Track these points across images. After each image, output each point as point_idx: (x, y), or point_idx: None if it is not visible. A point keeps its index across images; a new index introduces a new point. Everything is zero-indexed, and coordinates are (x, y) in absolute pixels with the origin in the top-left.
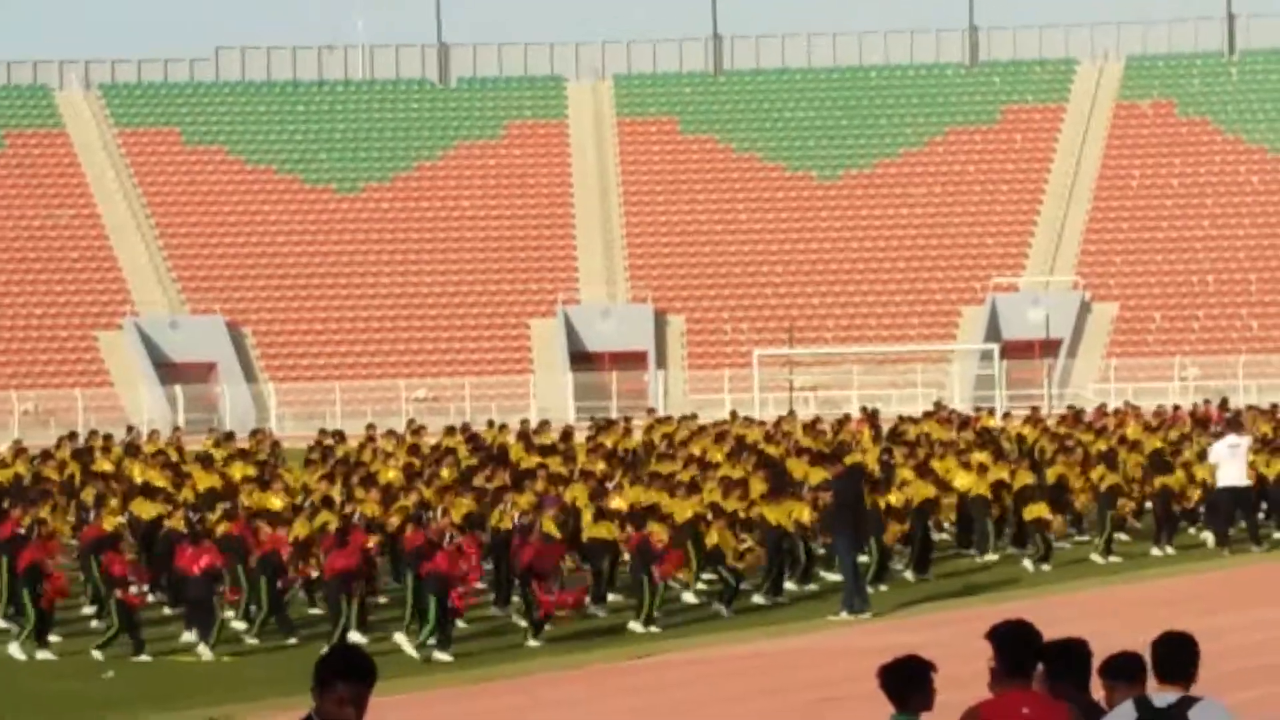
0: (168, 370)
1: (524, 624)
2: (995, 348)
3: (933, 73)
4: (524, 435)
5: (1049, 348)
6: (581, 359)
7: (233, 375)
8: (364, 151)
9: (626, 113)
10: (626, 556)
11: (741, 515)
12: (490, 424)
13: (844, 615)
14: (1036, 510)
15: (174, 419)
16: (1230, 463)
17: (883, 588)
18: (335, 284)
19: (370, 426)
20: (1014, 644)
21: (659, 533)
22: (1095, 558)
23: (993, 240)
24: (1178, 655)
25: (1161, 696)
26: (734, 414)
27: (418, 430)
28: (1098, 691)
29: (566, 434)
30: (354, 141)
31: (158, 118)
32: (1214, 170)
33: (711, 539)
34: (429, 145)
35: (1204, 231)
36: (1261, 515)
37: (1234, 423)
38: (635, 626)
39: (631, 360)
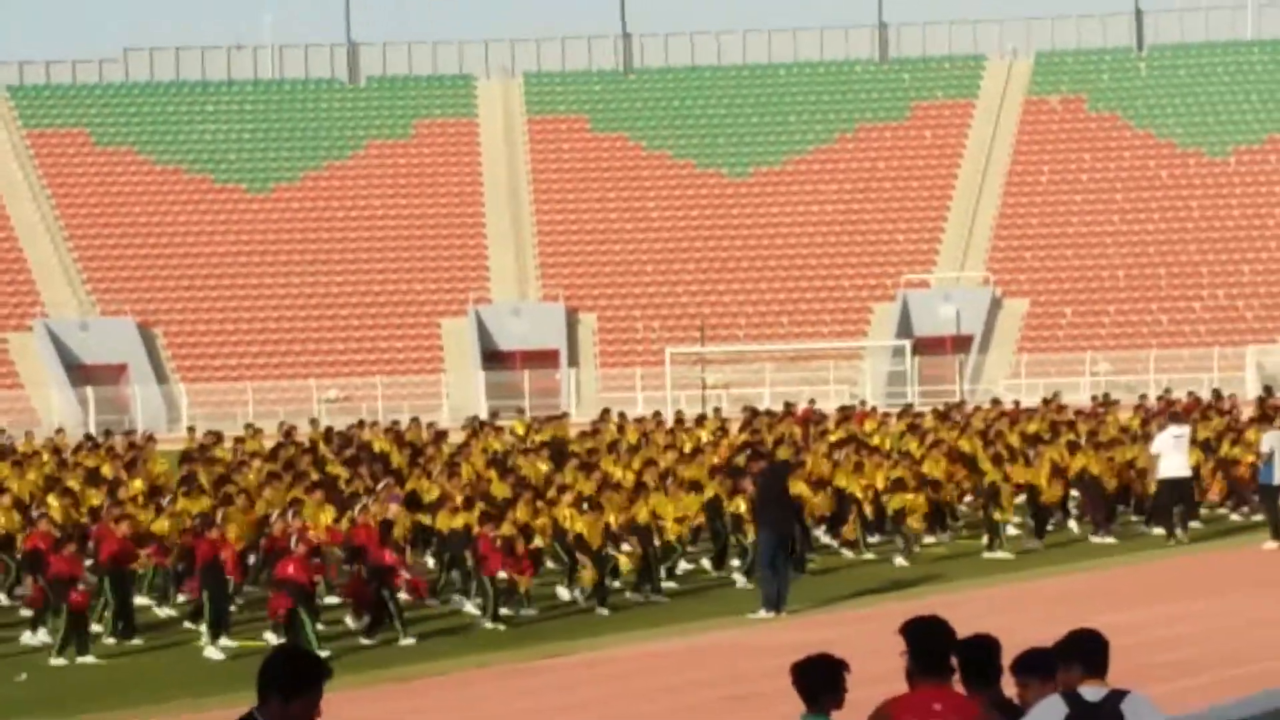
0: (79, 372)
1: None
2: (907, 344)
3: (842, 70)
4: (394, 433)
5: (961, 344)
6: (493, 358)
7: (144, 376)
8: (274, 151)
9: (536, 111)
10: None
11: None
12: (361, 423)
13: (762, 613)
14: (902, 501)
15: (85, 421)
16: (1173, 453)
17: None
18: (246, 284)
19: (248, 427)
20: (926, 640)
21: (486, 532)
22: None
23: (903, 237)
24: (1099, 650)
25: (1091, 690)
26: (656, 414)
27: (289, 432)
28: (1009, 688)
29: (439, 435)
30: (264, 141)
31: (66, 119)
32: (1124, 165)
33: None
34: (339, 144)
35: (1114, 227)
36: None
37: (1176, 415)
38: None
39: (543, 359)
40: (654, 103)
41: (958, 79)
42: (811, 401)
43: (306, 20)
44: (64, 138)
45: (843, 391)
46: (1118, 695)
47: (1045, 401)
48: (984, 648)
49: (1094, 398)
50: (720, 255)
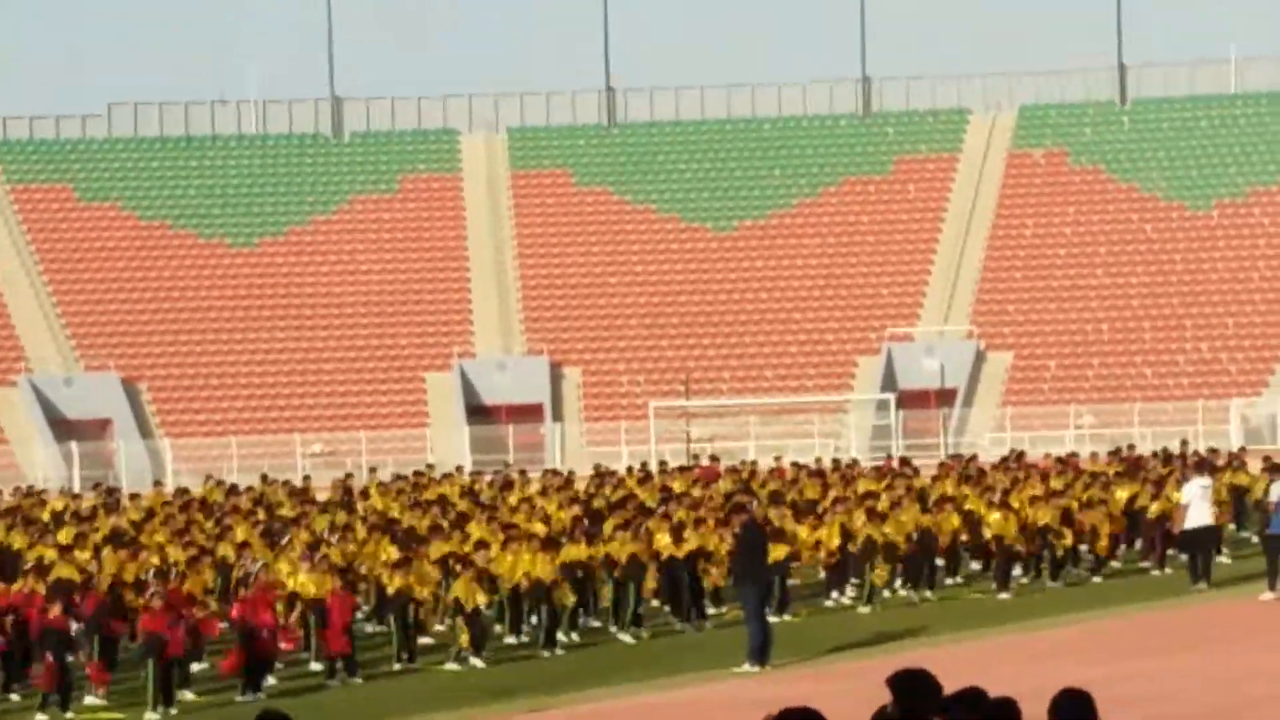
0: (62, 427)
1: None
2: (891, 398)
3: (826, 124)
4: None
5: (945, 397)
6: (478, 412)
7: (128, 431)
8: (258, 206)
9: (520, 165)
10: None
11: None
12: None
13: (746, 666)
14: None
15: (69, 476)
16: (1200, 504)
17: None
18: (230, 339)
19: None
20: (912, 692)
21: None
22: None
23: (887, 290)
24: (1085, 710)
25: None
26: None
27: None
28: None
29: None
30: (248, 196)
31: (50, 174)
32: (1107, 219)
33: (458, 590)
34: (323, 199)
35: (1098, 280)
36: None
37: (1204, 465)
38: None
39: (528, 413)
40: (638, 157)
41: (941, 133)
42: (777, 457)
43: (290, 75)
44: (48, 193)
45: (828, 445)
46: None
47: (1005, 458)
48: (971, 702)
49: (1058, 458)
50: (704, 309)
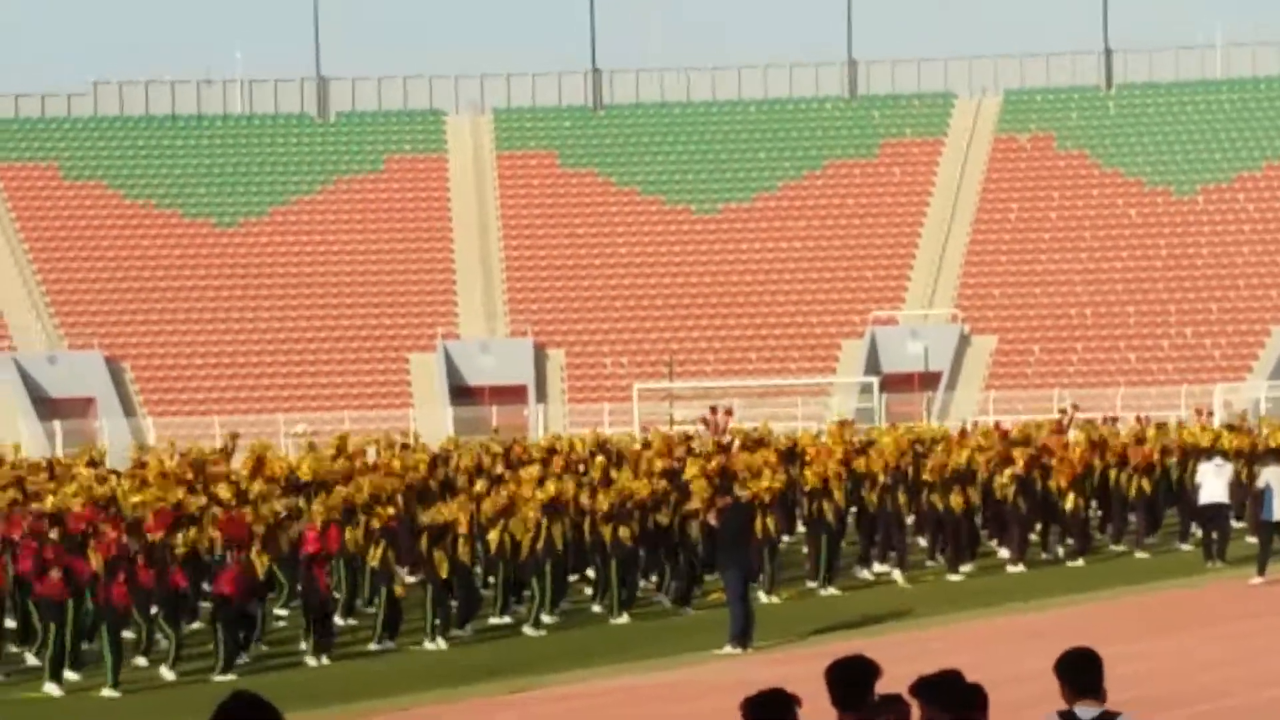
0: (46, 406)
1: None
2: (875, 380)
3: (811, 106)
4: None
5: (928, 380)
6: (461, 393)
7: (111, 410)
8: (243, 186)
9: (506, 146)
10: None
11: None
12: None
13: (728, 649)
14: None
15: (52, 454)
16: (1213, 481)
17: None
18: (214, 318)
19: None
20: (843, 679)
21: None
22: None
23: (872, 273)
24: (1091, 669)
25: (1085, 710)
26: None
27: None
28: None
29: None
30: (233, 176)
31: (35, 152)
32: (1092, 204)
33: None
34: (308, 179)
35: (1082, 265)
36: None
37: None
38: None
39: (511, 394)
40: (623, 139)
41: (927, 117)
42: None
43: (276, 55)
44: (32, 171)
45: (810, 427)
46: (1109, 716)
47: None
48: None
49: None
50: (689, 291)
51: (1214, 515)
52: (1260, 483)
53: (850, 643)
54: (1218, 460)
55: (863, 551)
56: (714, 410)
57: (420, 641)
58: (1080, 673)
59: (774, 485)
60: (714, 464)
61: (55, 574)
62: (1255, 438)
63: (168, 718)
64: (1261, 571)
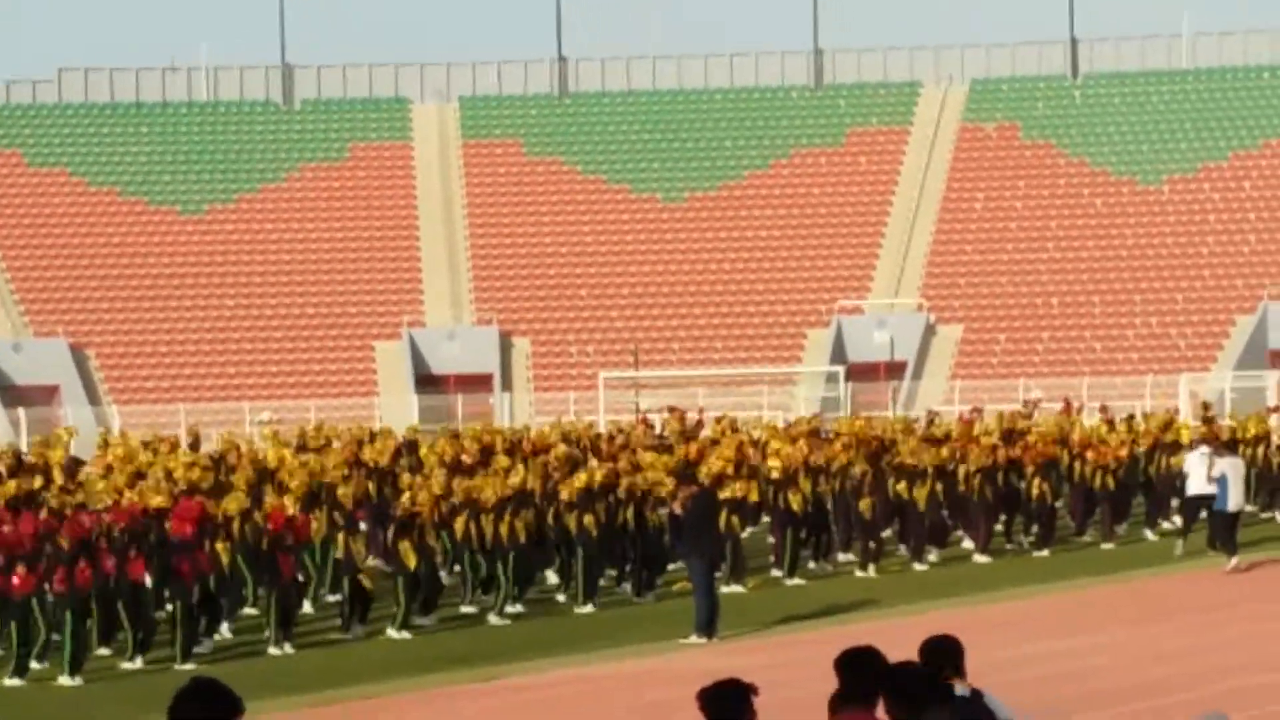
0: (10, 393)
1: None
2: (841, 370)
3: (777, 95)
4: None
5: (894, 370)
6: (426, 381)
7: (76, 398)
8: (208, 173)
9: (471, 134)
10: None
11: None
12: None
13: (694, 638)
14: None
15: (17, 442)
16: (1198, 469)
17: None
18: (179, 306)
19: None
20: (853, 670)
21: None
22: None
23: (838, 263)
24: (955, 652)
25: (960, 688)
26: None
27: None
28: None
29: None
30: (198, 163)
31: None
32: (1058, 193)
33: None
34: (273, 167)
35: (1048, 254)
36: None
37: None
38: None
39: (477, 383)
40: (589, 127)
41: (893, 105)
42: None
43: (241, 42)
44: None
45: (776, 416)
46: (979, 693)
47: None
48: (913, 676)
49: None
50: (655, 280)
51: (1201, 506)
52: (1215, 473)
53: (811, 634)
54: (1203, 449)
55: (835, 543)
56: (674, 410)
57: (385, 630)
58: (952, 656)
59: (737, 493)
60: (679, 454)
61: (21, 570)
62: (1218, 429)
63: (128, 707)
64: (1212, 547)
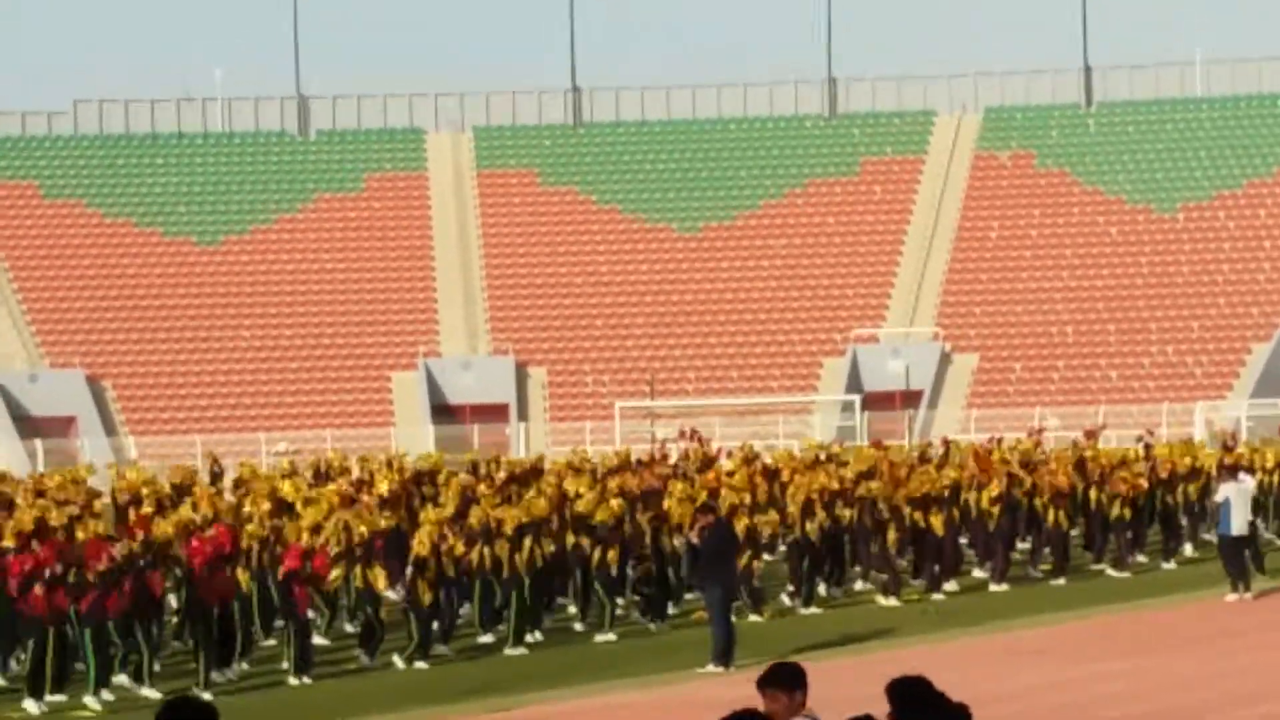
0: (27, 424)
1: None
2: (856, 399)
3: (792, 125)
4: None
5: (910, 399)
6: (443, 411)
7: (93, 429)
8: (223, 204)
9: (486, 165)
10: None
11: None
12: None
13: (711, 667)
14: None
15: (34, 473)
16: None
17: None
18: (195, 336)
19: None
20: (907, 700)
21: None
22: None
23: (853, 291)
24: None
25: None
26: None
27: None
28: None
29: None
30: (213, 194)
31: (15, 171)
32: (1073, 221)
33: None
34: (288, 197)
35: (1063, 282)
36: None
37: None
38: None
39: (493, 413)
40: (603, 157)
41: (907, 134)
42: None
43: (256, 73)
44: (13, 190)
45: (792, 446)
46: None
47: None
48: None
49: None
50: (670, 309)
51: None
52: (1219, 498)
53: (828, 664)
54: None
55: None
56: (684, 433)
57: (393, 659)
58: (911, 701)
59: (760, 526)
60: (699, 483)
61: (39, 589)
62: (1239, 457)
63: None
64: (1235, 588)
